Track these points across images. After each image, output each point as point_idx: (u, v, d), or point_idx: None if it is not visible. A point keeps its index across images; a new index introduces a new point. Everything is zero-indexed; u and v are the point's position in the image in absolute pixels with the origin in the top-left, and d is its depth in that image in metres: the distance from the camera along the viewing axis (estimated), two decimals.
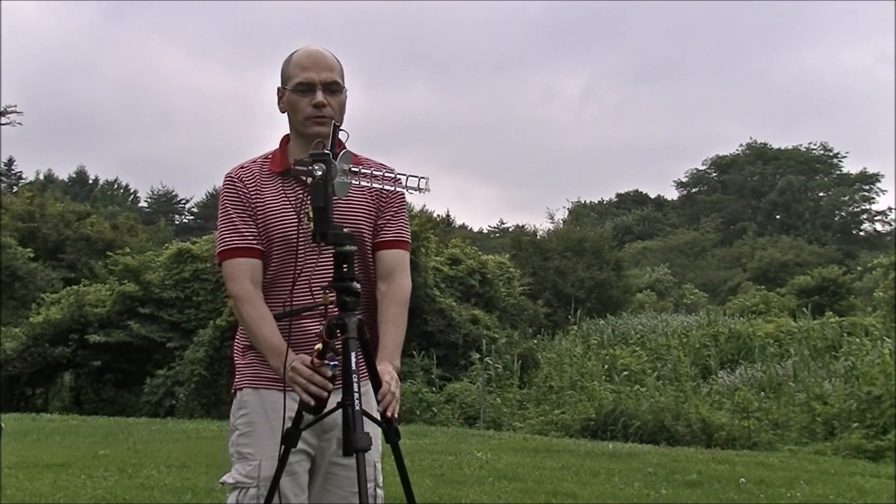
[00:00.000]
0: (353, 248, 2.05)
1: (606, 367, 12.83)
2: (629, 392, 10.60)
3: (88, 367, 14.55)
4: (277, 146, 2.38)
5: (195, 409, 12.36)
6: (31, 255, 21.43)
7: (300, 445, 2.21)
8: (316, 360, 2.01)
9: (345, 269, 2.03)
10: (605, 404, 10.11)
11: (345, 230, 2.13)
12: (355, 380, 1.96)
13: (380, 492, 2.32)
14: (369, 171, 2.06)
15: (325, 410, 2.06)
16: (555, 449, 8.04)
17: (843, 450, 8.16)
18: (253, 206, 2.27)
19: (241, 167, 2.34)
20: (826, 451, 8.21)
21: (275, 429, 2.16)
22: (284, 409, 2.08)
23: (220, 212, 2.32)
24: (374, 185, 2.06)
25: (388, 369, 2.16)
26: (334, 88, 2.28)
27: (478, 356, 13.11)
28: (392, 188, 2.10)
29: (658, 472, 6.63)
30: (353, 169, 2.03)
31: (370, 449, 1.96)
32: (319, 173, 1.97)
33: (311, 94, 2.26)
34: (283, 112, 2.35)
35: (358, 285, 2.04)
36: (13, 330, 15.95)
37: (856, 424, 8.57)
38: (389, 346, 2.23)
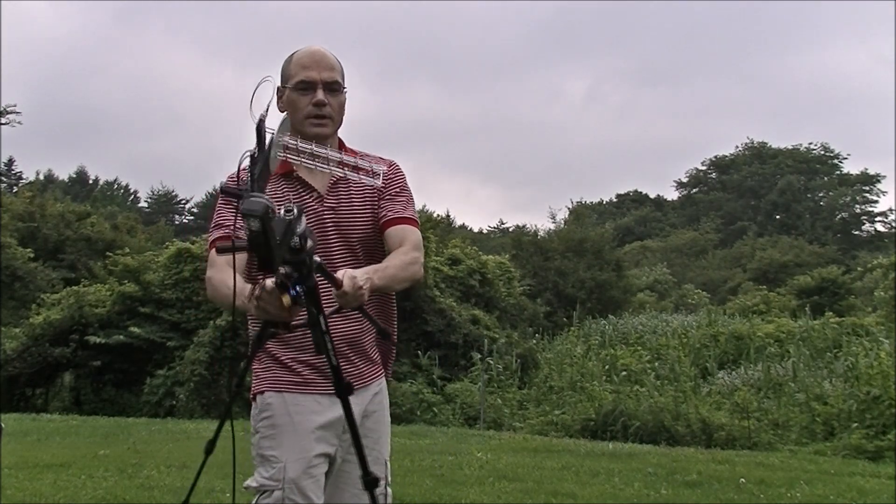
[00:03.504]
0: (312, 244, 1.86)
1: (607, 367, 12.83)
2: (629, 392, 10.59)
3: (88, 367, 14.53)
4: None
5: (195, 409, 12.34)
6: (31, 255, 21.41)
7: (322, 448, 2.21)
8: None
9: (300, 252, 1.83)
10: (605, 404, 10.10)
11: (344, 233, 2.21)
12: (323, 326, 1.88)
13: (389, 490, 2.37)
14: (309, 148, 1.92)
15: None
16: (555, 449, 8.03)
17: (843, 450, 8.16)
18: None
19: (243, 169, 2.27)
20: (826, 452, 8.21)
21: (299, 432, 2.17)
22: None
23: (214, 213, 2.32)
24: (318, 166, 1.97)
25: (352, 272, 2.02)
26: (335, 88, 2.28)
27: (478, 356, 13.11)
28: (342, 173, 2.02)
29: (658, 472, 6.63)
30: (288, 145, 1.89)
31: (353, 394, 1.95)
32: (256, 227, 1.73)
33: (312, 92, 2.26)
34: (283, 112, 2.32)
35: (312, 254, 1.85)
36: (13, 330, 15.91)
37: (855, 424, 8.57)
38: (368, 269, 2.09)
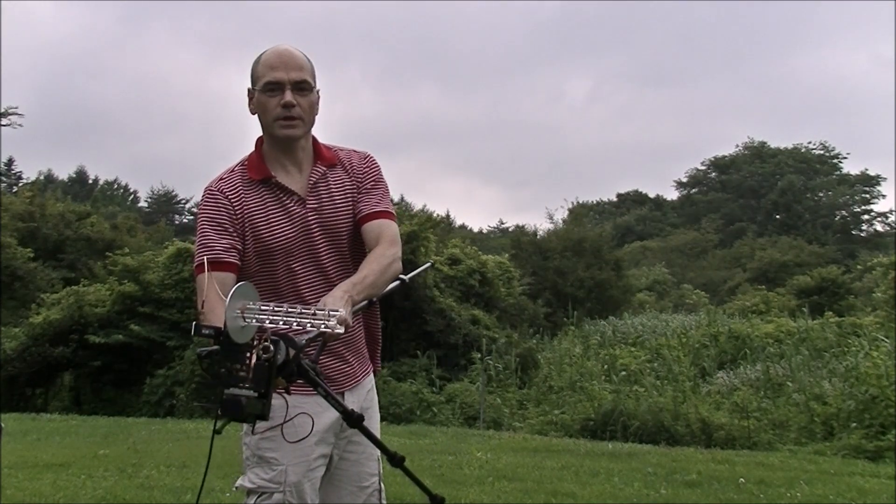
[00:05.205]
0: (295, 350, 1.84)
1: (606, 367, 12.83)
2: (629, 392, 10.60)
3: (88, 367, 14.53)
4: (254, 149, 2.33)
5: (195, 409, 12.34)
6: (31, 255, 21.40)
7: (322, 450, 2.24)
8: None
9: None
10: (605, 404, 10.10)
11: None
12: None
13: (382, 486, 2.41)
14: (270, 310, 1.75)
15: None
16: (554, 449, 8.04)
17: (842, 450, 8.16)
18: (241, 218, 2.23)
19: (221, 179, 2.29)
20: (826, 451, 8.21)
21: (300, 434, 2.15)
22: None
23: (197, 226, 2.29)
24: (279, 321, 1.78)
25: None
26: (304, 87, 2.23)
27: (478, 356, 13.11)
28: (296, 325, 1.78)
29: (658, 472, 6.63)
30: (246, 315, 1.74)
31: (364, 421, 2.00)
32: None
33: (280, 93, 2.21)
34: (254, 114, 2.30)
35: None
36: (13, 330, 15.91)
37: (855, 424, 8.57)
38: (345, 285, 2.05)
